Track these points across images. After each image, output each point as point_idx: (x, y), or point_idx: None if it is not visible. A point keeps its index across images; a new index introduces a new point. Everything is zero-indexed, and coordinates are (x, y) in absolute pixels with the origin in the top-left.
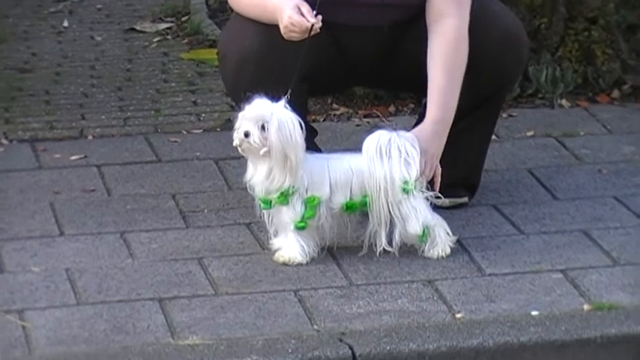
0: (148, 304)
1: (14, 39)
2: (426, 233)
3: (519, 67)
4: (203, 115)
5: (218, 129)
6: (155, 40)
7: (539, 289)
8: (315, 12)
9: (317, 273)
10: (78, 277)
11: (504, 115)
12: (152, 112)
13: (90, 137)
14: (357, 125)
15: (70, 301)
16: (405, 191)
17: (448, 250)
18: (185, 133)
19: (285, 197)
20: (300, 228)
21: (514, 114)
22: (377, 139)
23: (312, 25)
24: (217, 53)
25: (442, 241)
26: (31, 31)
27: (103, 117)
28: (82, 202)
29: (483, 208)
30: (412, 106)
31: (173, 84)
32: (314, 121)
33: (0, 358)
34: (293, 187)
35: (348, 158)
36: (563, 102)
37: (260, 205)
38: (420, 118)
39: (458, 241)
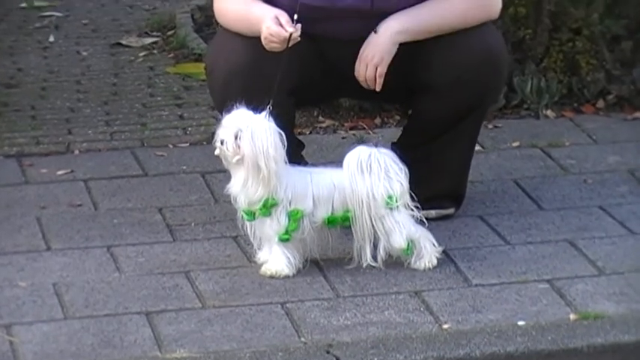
0: (135, 318)
1: (0, 54)
2: (410, 246)
3: (500, 84)
4: (189, 128)
5: (204, 142)
6: (141, 54)
7: (525, 299)
8: (294, 21)
9: (304, 285)
10: (65, 291)
11: (490, 126)
12: (138, 126)
13: (76, 152)
14: (343, 138)
15: (57, 316)
16: (389, 206)
17: (435, 262)
18: (171, 146)
19: (267, 209)
20: (283, 240)
21: (499, 125)
22: (357, 155)
23: (291, 35)
24: (205, 68)
25: (428, 252)
26: (17, 46)
27: (90, 131)
28: (69, 217)
29: (469, 219)
30: (398, 118)
31: (159, 98)
32: (300, 133)
33: None
34: (274, 198)
35: (331, 173)
36: (549, 112)
37: (243, 217)
38: (405, 129)
39: (444, 252)
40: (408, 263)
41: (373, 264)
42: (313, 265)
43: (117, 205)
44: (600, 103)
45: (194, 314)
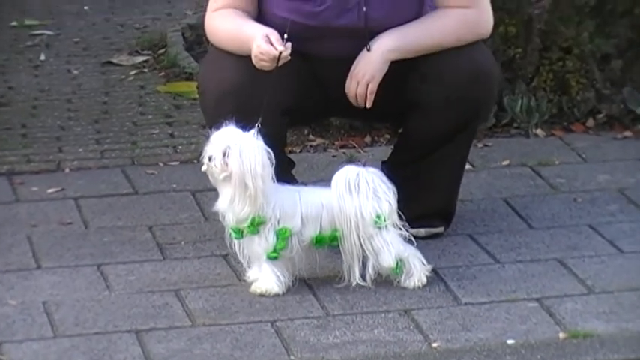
0: (125, 336)
1: None
2: (399, 265)
3: (490, 102)
4: (180, 147)
5: (195, 161)
6: (132, 73)
7: (514, 317)
8: (285, 40)
9: (293, 303)
10: (55, 309)
11: (480, 145)
12: (129, 144)
13: (67, 170)
14: (334, 156)
15: (47, 334)
16: (377, 225)
17: (424, 280)
18: (162, 165)
19: (254, 227)
20: (272, 258)
21: (489, 144)
22: (345, 175)
23: (280, 54)
24: (197, 87)
25: (418, 271)
26: (8, 64)
27: (80, 150)
28: (60, 235)
29: (459, 238)
30: (388, 136)
31: (150, 116)
32: (290, 152)
33: None
34: (261, 216)
35: (319, 192)
36: (539, 131)
37: (231, 235)
38: (396, 147)
39: (434, 271)
40: (398, 282)
41: (362, 283)
42: (303, 284)
43: (107, 224)
44: (590, 122)
45: (184, 332)
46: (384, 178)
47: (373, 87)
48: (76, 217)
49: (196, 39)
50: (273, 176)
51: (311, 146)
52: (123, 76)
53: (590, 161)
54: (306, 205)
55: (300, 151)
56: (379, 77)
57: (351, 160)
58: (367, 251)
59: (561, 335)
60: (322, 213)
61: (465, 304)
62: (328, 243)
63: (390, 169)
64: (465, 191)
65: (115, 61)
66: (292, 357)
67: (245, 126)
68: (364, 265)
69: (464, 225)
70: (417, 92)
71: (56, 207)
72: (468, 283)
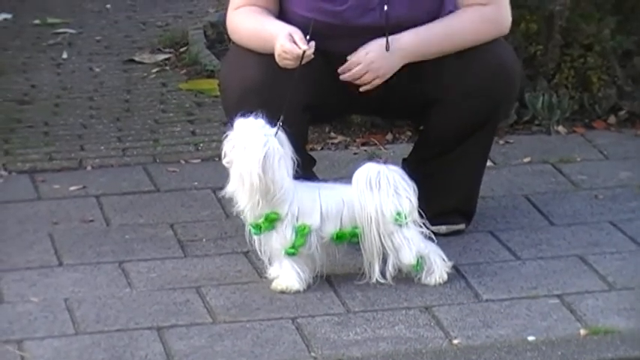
0: (146, 333)
1: (13, 71)
2: (420, 263)
3: (512, 98)
4: (201, 144)
5: (216, 158)
6: (154, 70)
7: (535, 314)
8: (308, 39)
9: (314, 300)
10: (76, 306)
11: (501, 142)
12: (151, 142)
13: (89, 168)
14: (355, 153)
15: (68, 331)
16: (398, 223)
17: (445, 277)
18: (183, 162)
19: (270, 223)
20: (290, 254)
21: (511, 140)
22: (366, 172)
23: (304, 52)
24: (218, 85)
25: (438, 267)
26: (30, 62)
27: (102, 147)
28: (81, 233)
29: (480, 235)
30: (409, 134)
31: (171, 114)
32: (311, 149)
33: None
34: (276, 213)
35: (340, 189)
36: (560, 128)
37: (251, 231)
38: (417, 145)
39: (454, 268)
40: (419, 279)
41: (382, 280)
42: (324, 281)
43: (129, 221)
44: (612, 119)
45: (205, 329)
46: (405, 176)
47: (380, 81)
48: (98, 214)
49: (218, 37)
50: (292, 173)
51: (332, 143)
52: (145, 74)
53: (612, 158)
54: (327, 202)
55: (322, 149)
56: (390, 75)
57: (372, 158)
58: (387, 248)
59: (582, 332)
60: (343, 210)
61: (486, 300)
62: (348, 240)
63: (411, 167)
64: (486, 188)
65: (136, 59)
66: (313, 354)
67: (268, 122)
68: (384, 262)
69: (485, 222)
70: (439, 88)
71: (78, 204)
72: (489, 280)
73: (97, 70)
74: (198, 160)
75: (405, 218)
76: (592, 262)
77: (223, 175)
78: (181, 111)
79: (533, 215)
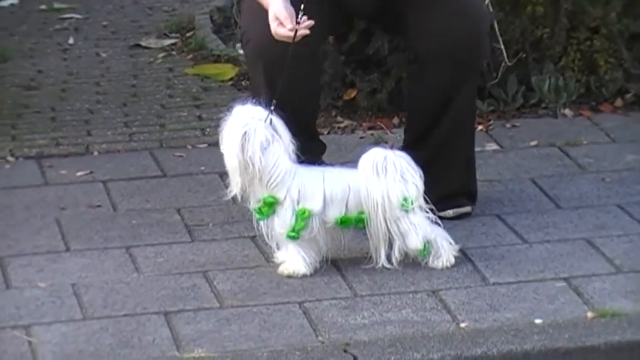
0: (154, 318)
1: (20, 56)
2: (427, 247)
3: (477, 55)
4: (208, 129)
5: None
6: (160, 55)
7: (542, 297)
8: (300, 15)
9: (321, 284)
10: (84, 292)
11: (508, 125)
12: (157, 127)
13: (95, 153)
14: (361, 137)
15: (76, 316)
16: (404, 208)
17: (452, 260)
18: (190, 147)
19: (269, 207)
20: (291, 238)
21: (517, 124)
22: (373, 157)
23: (296, 31)
24: (240, 37)
25: (445, 251)
26: (37, 48)
27: (109, 133)
28: (88, 218)
29: (487, 218)
30: None
31: (178, 99)
32: (318, 133)
33: None
34: (273, 197)
35: (346, 173)
36: (567, 111)
37: (257, 217)
38: (405, 129)
39: (461, 251)
40: (426, 263)
41: (388, 265)
42: (331, 265)
43: (136, 206)
44: (618, 102)
45: (212, 314)
46: (411, 161)
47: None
48: (105, 199)
49: (224, 21)
50: (292, 157)
51: (339, 127)
52: (151, 59)
53: (619, 141)
54: (331, 187)
55: (328, 133)
56: None
57: (378, 142)
58: (394, 234)
59: (589, 315)
60: (349, 194)
61: (493, 284)
62: (354, 225)
63: (410, 154)
64: (492, 171)
65: (143, 44)
66: (320, 338)
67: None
68: (391, 247)
69: (492, 205)
70: (412, 45)
71: (85, 190)
72: (496, 263)
73: (104, 55)
74: (205, 145)
75: (412, 204)
76: (599, 245)
77: None
78: (188, 96)
79: (540, 198)
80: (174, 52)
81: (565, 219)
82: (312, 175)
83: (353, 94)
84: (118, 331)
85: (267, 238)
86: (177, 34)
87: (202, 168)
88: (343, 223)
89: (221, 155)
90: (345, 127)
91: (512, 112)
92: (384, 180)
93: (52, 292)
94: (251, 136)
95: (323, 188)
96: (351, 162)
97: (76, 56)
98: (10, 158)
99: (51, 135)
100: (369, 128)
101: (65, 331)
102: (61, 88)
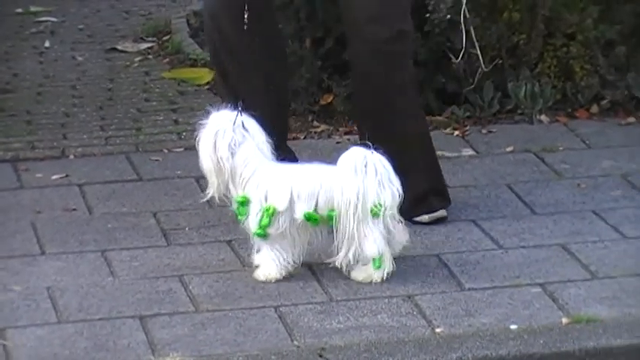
0: (129, 322)
1: None
2: (381, 258)
3: (401, 21)
4: (184, 133)
5: None
6: (137, 59)
7: (517, 303)
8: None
9: (297, 289)
10: (59, 295)
11: (484, 131)
12: (133, 130)
13: (71, 156)
14: (338, 142)
15: (51, 320)
16: (375, 214)
17: (377, 279)
18: (166, 151)
19: (243, 207)
20: (259, 235)
21: (493, 130)
22: (353, 156)
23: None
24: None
25: (382, 269)
26: (13, 51)
27: (85, 136)
28: (64, 221)
29: (463, 224)
30: None
31: (154, 103)
32: (295, 138)
33: None
34: (244, 196)
35: (321, 170)
36: (543, 117)
37: (238, 219)
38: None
39: (437, 257)
40: (349, 272)
41: (337, 265)
42: (307, 269)
43: (111, 210)
44: (594, 108)
45: (187, 318)
46: (388, 165)
47: None
48: (80, 203)
49: (201, 25)
50: (269, 157)
51: (315, 132)
52: (127, 63)
53: (595, 147)
54: (299, 183)
55: (305, 138)
56: None
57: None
58: (357, 236)
59: (564, 320)
60: (319, 191)
61: (469, 289)
62: (321, 222)
63: None
64: (468, 177)
65: (119, 47)
66: (295, 342)
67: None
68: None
69: (467, 211)
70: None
71: (60, 193)
72: (472, 269)
73: (80, 58)
74: (181, 149)
75: (384, 210)
76: (574, 250)
77: None
78: (164, 100)
79: (515, 204)
80: (150, 56)
81: (541, 225)
82: (282, 172)
83: (329, 99)
84: (93, 334)
85: (250, 240)
86: (154, 38)
87: (178, 172)
88: (309, 219)
89: (197, 159)
90: (322, 131)
91: (488, 118)
92: (361, 180)
93: (27, 296)
94: (220, 137)
95: (290, 185)
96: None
97: (52, 59)
98: None
99: (27, 138)
100: (346, 133)
101: (40, 335)
102: (36, 91)
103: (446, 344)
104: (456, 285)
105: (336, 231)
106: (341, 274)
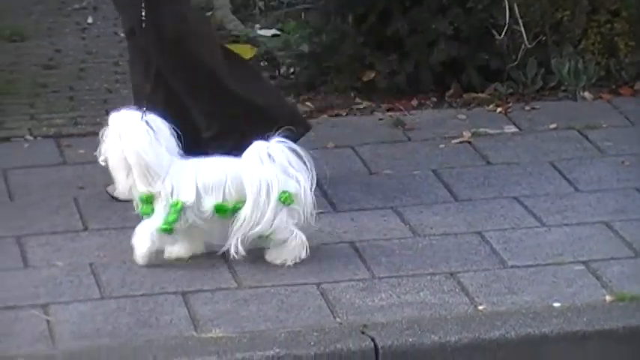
0: (171, 298)
1: (38, 36)
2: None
3: None
4: None
5: None
6: None
7: (560, 280)
8: None
9: (339, 266)
10: (102, 271)
11: (527, 108)
12: None
13: None
14: (380, 119)
15: (93, 295)
16: (283, 201)
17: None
18: None
19: (148, 204)
20: (165, 231)
21: (537, 106)
22: (256, 148)
23: None
24: None
25: (294, 250)
26: (55, 27)
27: None
28: (106, 197)
29: (505, 201)
30: (435, 99)
31: None
32: (337, 115)
33: (25, 352)
34: (149, 193)
35: (225, 162)
36: (586, 94)
37: (140, 215)
38: None
39: (479, 234)
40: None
41: (243, 253)
42: (349, 246)
43: None
44: (638, 85)
45: (230, 294)
46: (303, 154)
47: None
48: None
49: (243, 1)
50: (174, 152)
51: (357, 109)
52: None
53: (638, 124)
54: (204, 176)
55: (346, 115)
56: None
57: (397, 124)
58: (264, 222)
59: (608, 298)
60: (225, 182)
61: (511, 266)
62: (231, 211)
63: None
64: (511, 154)
65: None
66: (338, 319)
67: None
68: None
69: (510, 188)
70: None
71: (103, 169)
72: (514, 246)
73: (122, 35)
74: None
75: (290, 200)
76: (618, 228)
77: None
78: None
79: (558, 182)
80: None
81: (584, 202)
82: (187, 166)
83: (372, 76)
84: (135, 310)
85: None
86: None
87: None
88: (219, 211)
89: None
90: (364, 108)
91: (531, 95)
92: (267, 168)
93: (69, 272)
94: (126, 134)
95: (195, 179)
96: (370, 144)
97: (95, 35)
98: (28, 137)
99: (69, 114)
100: (388, 110)
101: (83, 310)
102: (79, 67)
103: (488, 322)
104: (498, 262)
105: (238, 218)
106: (383, 251)
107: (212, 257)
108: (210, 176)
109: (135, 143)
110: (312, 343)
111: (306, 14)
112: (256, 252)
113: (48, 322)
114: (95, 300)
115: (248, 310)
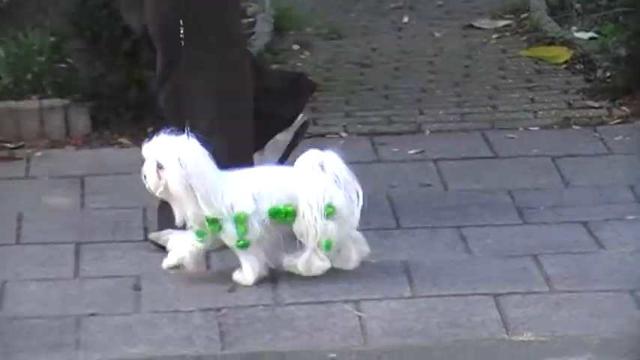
0: (483, 299)
1: (355, 34)
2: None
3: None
4: (540, 112)
5: (555, 126)
6: (493, 36)
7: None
8: None
9: None
10: (414, 269)
11: None
12: (489, 108)
13: (427, 132)
14: None
15: (405, 294)
16: (328, 213)
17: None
18: (522, 129)
19: (214, 224)
20: (242, 246)
21: None
22: (310, 156)
23: None
24: None
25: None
26: (371, 26)
27: (441, 112)
28: (419, 196)
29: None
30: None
31: (510, 80)
32: None
33: (338, 347)
34: (213, 216)
35: (273, 170)
36: None
37: (197, 239)
38: None
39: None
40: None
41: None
42: None
43: (466, 186)
44: None
45: (541, 298)
46: (349, 170)
47: None
48: (436, 178)
49: (559, 3)
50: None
51: None
52: (484, 40)
53: None
54: (254, 183)
55: None
56: None
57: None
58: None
59: None
60: (273, 186)
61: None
62: (284, 217)
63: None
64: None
65: (476, 24)
66: None
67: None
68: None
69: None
70: None
71: (416, 168)
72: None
73: (437, 34)
74: (537, 128)
75: (336, 212)
76: None
77: (564, 143)
78: (520, 78)
79: None
80: (507, 34)
81: None
82: (235, 178)
83: None
84: (446, 310)
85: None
86: (512, 16)
87: (534, 151)
88: (273, 214)
89: (553, 138)
90: None
91: None
92: (318, 178)
93: (382, 269)
94: (186, 162)
95: (249, 188)
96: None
97: (410, 35)
98: (343, 134)
99: (384, 113)
100: None
101: (394, 308)
102: (394, 66)
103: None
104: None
105: (295, 228)
106: None
107: (523, 260)
108: (260, 182)
109: (200, 167)
110: (625, 351)
111: (624, 17)
112: (566, 256)
113: (360, 317)
114: (407, 298)
115: (559, 314)
